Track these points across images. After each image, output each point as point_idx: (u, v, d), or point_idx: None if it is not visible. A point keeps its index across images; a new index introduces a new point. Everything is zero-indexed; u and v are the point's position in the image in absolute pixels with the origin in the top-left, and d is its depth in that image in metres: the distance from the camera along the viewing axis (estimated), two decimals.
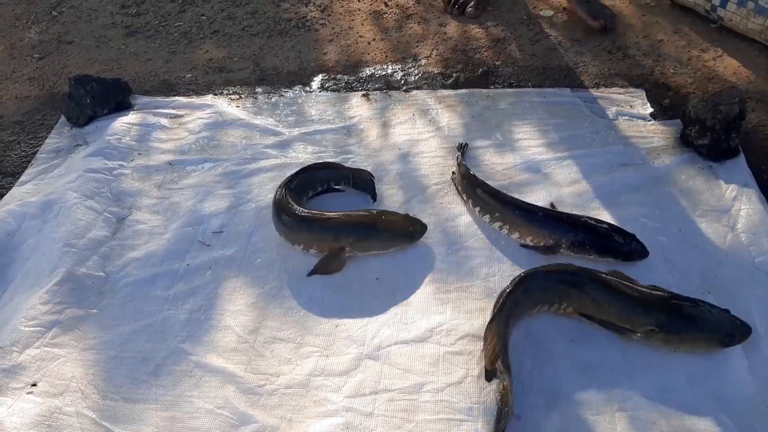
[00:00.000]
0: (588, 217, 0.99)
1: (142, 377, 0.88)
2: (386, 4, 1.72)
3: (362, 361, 0.88)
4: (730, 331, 0.84)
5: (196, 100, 1.42)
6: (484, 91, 1.37)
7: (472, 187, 1.08)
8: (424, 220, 1.05)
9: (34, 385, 0.87)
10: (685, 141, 1.16)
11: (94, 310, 0.97)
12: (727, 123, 1.11)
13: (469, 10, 1.51)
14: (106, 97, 1.38)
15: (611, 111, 1.27)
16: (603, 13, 1.52)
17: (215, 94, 1.45)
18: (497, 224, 1.03)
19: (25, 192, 1.20)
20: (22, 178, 1.25)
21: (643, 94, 1.32)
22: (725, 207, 1.05)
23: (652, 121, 1.24)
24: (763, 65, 1.39)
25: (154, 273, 1.02)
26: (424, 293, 0.96)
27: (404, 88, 1.42)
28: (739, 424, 0.78)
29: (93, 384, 0.87)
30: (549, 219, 0.99)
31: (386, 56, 1.53)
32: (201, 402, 0.84)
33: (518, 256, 1.00)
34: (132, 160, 1.25)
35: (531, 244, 1.00)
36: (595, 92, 1.34)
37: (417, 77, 1.45)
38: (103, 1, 1.84)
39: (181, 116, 1.36)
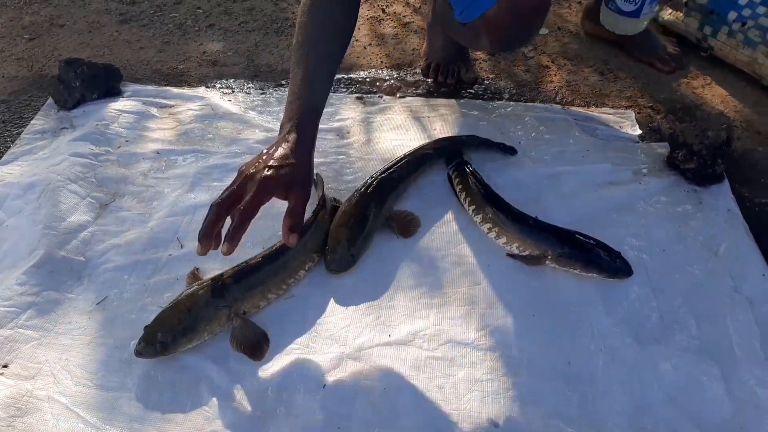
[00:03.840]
0: (576, 232, 0.99)
1: (116, 365, 0.86)
2: (384, 11, 1.73)
3: (343, 361, 0.87)
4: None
5: (187, 91, 1.40)
6: (476, 102, 1.38)
7: (471, 182, 1.09)
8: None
9: (5, 366, 0.85)
10: (671, 164, 1.18)
11: (72, 294, 0.95)
12: (714, 148, 1.13)
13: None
14: (96, 82, 1.35)
15: (601, 130, 1.29)
16: (667, 52, 1.49)
17: (207, 87, 1.43)
18: (487, 226, 1.03)
19: (7, 172, 1.18)
20: (5, 157, 1.22)
21: (633, 115, 1.34)
22: (708, 231, 1.06)
23: (640, 143, 1.26)
24: (750, 96, 1.42)
25: (135, 261, 1.00)
26: (409, 297, 0.96)
27: (398, 94, 1.42)
28: None
29: (66, 369, 0.85)
30: (538, 229, 1.00)
31: (381, 61, 1.53)
32: (176, 393, 0.83)
33: (504, 266, 1.00)
34: (119, 147, 1.23)
35: (517, 251, 1.00)
36: (585, 111, 1.36)
37: (411, 84, 1.46)
38: None
39: (171, 106, 1.35)
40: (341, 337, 0.90)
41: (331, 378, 0.85)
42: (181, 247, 1.02)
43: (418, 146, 1.18)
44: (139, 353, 0.84)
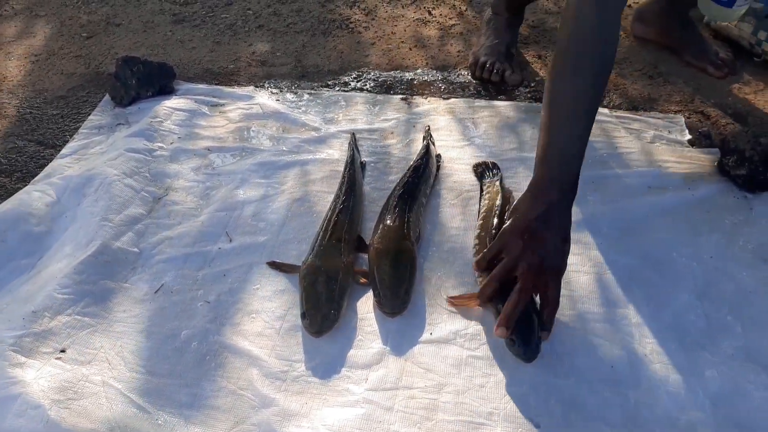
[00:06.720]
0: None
1: (167, 353, 0.89)
2: (430, 13, 1.74)
3: (385, 357, 0.88)
4: None
5: (237, 90, 1.44)
6: (521, 104, 1.38)
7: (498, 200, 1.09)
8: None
9: (63, 351, 0.89)
10: (721, 170, 1.16)
11: (126, 284, 0.99)
12: (766, 155, 1.11)
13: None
14: (151, 80, 1.40)
15: (649, 134, 1.27)
16: (719, 57, 1.46)
17: (257, 87, 1.47)
18: None
19: (65, 165, 1.23)
20: (63, 151, 1.28)
21: (682, 120, 1.32)
22: (759, 239, 1.04)
23: (690, 148, 1.24)
24: None
25: (187, 253, 1.04)
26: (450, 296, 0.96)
27: (443, 95, 1.43)
28: None
29: (120, 355, 0.89)
30: None
31: (427, 63, 1.54)
32: (224, 381, 0.86)
33: None
34: (171, 144, 1.27)
35: None
36: (633, 115, 1.34)
37: (456, 86, 1.47)
38: None
39: (222, 105, 1.39)
40: (383, 332, 0.92)
41: (372, 373, 0.86)
42: (230, 241, 1.06)
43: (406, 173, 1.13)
44: (320, 331, 0.89)
